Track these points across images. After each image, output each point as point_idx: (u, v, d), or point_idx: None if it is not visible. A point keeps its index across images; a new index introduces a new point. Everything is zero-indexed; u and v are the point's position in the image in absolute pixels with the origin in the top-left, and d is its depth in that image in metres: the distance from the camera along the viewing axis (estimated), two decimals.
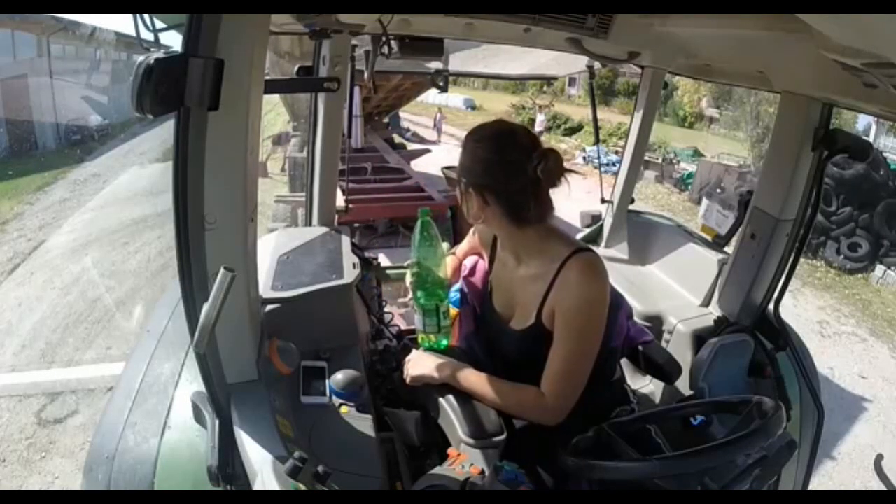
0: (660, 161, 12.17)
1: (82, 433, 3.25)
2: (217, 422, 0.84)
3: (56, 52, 13.68)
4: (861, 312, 6.22)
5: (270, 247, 1.42)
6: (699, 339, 1.48)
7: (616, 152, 9.97)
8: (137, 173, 10.57)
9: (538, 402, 1.04)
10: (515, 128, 1.06)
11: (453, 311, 1.69)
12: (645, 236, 1.92)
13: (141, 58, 0.58)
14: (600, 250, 1.95)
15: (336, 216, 1.72)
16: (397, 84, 6.65)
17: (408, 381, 1.14)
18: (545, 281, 1.06)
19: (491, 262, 1.25)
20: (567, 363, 1.03)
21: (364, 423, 1.01)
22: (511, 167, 1.01)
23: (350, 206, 1.82)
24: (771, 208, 1.41)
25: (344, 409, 1.02)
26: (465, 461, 0.97)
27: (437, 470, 0.98)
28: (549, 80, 17.44)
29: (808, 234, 1.41)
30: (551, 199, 1.06)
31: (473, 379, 1.08)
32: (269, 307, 1.14)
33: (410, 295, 1.20)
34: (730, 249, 1.62)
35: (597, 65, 1.96)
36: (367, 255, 1.74)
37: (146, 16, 0.68)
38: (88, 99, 14.31)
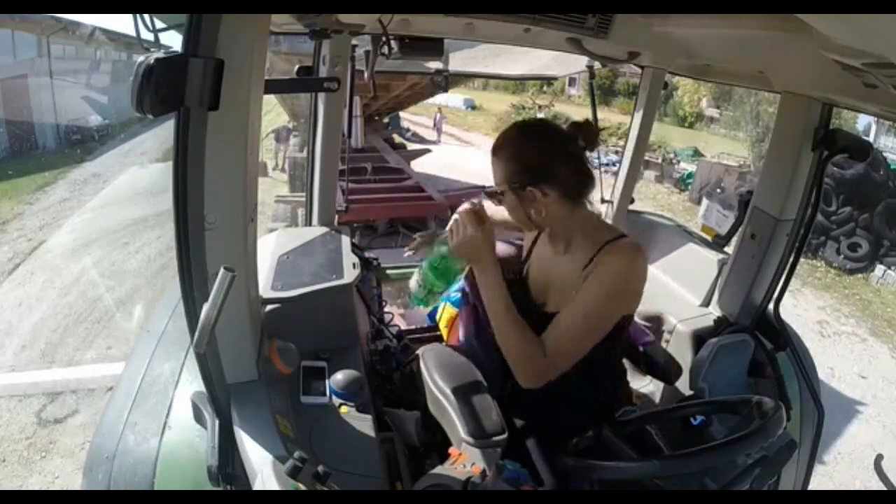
0: (660, 161, 12.17)
1: (82, 433, 3.25)
2: (217, 422, 0.84)
3: (56, 52, 13.65)
4: (861, 312, 6.21)
5: (270, 247, 1.42)
6: (699, 339, 1.48)
7: (616, 152, 9.96)
8: (137, 173, 10.55)
9: (534, 352, 0.99)
10: (541, 120, 1.13)
11: (453, 311, 1.69)
12: (645, 236, 1.92)
13: (141, 58, 0.58)
14: None
15: (336, 216, 1.72)
16: (398, 93, 6.67)
17: (454, 246, 1.06)
18: (584, 262, 1.05)
19: (526, 258, 1.24)
20: (571, 324, 1.00)
21: (364, 423, 1.01)
22: (556, 150, 1.06)
23: (350, 206, 1.82)
24: (771, 208, 1.41)
25: (344, 409, 1.03)
26: (466, 461, 0.97)
27: (437, 469, 0.98)
28: (549, 80, 17.43)
29: (808, 234, 1.41)
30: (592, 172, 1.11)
31: (507, 306, 1.03)
32: (269, 307, 1.14)
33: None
34: (730, 249, 1.62)
35: (597, 65, 1.96)
36: (367, 255, 1.74)
37: (146, 16, 0.68)
38: (88, 99, 14.29)
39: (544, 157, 1.05)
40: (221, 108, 0.66)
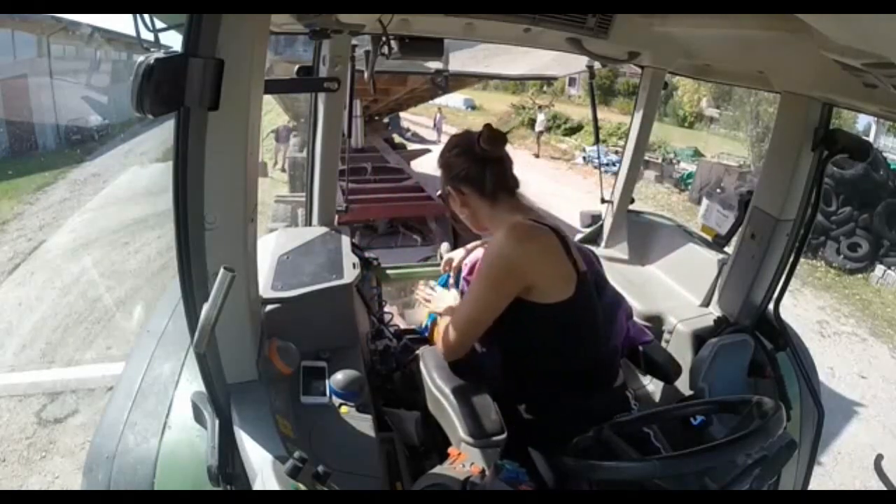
0: (660, 161, 12.16)
1: (82, 433, 3.25)
2: (217, 422, 0.84)
3: (56, 52, 13.67)
4: (861, 312, 6.21)
5: (270, 247, 1.43)
6: (699, 339, 1.48)
7: (616, 152, 9.96)
8: (137, 173, 10.57)
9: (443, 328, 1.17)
10: (465, 130, 1.26)
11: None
12: (645, 236, 1.92)
13: (141, 58, 0.58)
14: (600, 250, 1.94)
15: (336, 216, 1.72)
16: (398, 97, 6.68)
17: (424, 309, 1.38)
18: None
19: None
20: (461, 305, 1.16)
21: (364, 423, 1.01)
22: (465, 153, 1.20)
23: (350, 206, 1.82)
24: (771, 208, 1.40)
25: (344, 409, 1.03)
26: (465, 460, 0.97)
27: (437, 469, 0.98)
28: (549, 80, 17.43)
29: (808, 234, 1.41)
30: (514, 175, 1.22)
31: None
32: (269, 307, 1.14)
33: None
34: (730, 249, 1.62)
35: (597, 65, 1.96)
36: (367, 255, 1.74)
37: (146, 16, 0.68)
38: (88, 99, 14.31)
39: (456, 160, 1.20)
40: (221, 108, 0.66)
